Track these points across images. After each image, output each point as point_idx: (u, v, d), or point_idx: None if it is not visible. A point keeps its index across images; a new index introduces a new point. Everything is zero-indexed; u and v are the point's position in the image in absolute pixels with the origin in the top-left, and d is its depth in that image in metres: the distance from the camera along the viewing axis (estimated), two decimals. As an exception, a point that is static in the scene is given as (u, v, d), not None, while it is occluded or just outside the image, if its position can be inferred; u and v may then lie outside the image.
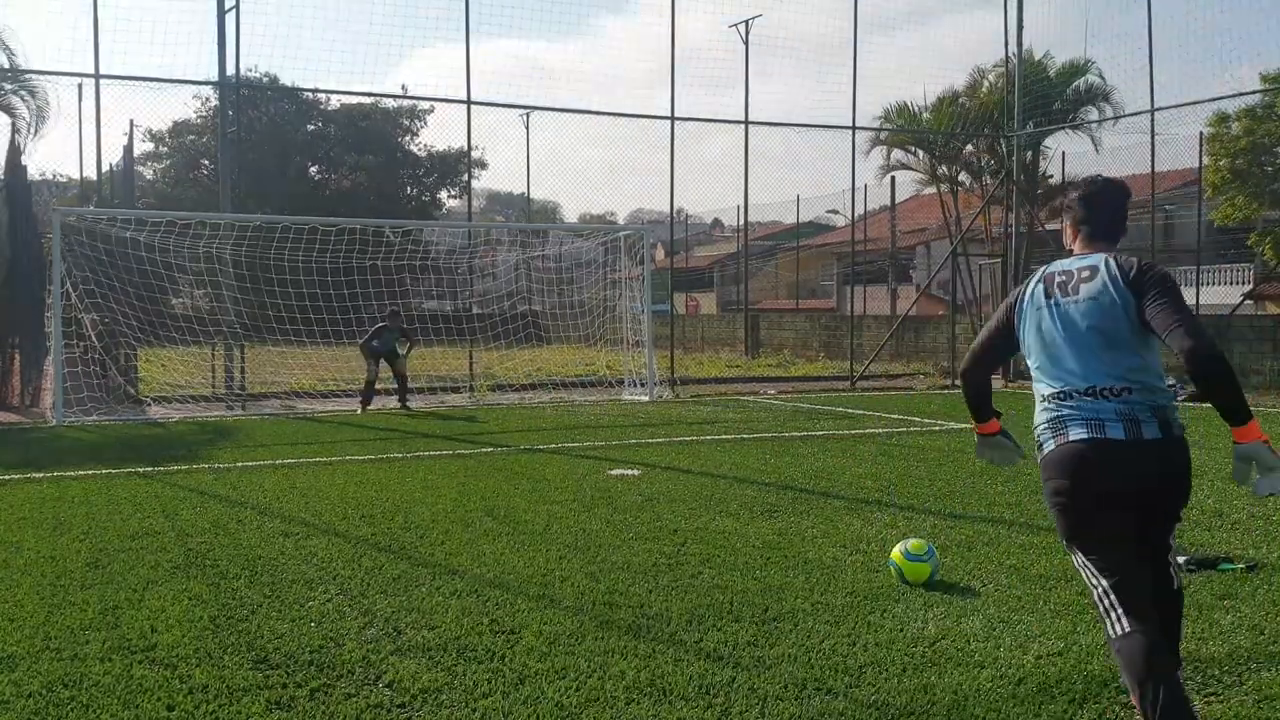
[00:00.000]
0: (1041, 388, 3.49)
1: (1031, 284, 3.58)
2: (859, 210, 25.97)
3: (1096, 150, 22.28)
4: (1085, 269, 3.48)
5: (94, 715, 3.66)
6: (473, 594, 5.14)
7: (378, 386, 15.18)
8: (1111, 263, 3.45)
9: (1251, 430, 3.18)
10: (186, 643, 4.40)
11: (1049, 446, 3.41)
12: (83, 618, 4.74)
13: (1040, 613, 4.83)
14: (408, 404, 15.30)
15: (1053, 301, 3.48)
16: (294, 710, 3.70)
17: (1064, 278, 3.52)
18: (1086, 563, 3.38)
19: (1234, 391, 3.19)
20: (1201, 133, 22.36)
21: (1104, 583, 3.31)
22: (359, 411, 14.66)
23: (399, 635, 4.50)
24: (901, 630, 4.57)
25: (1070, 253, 3.65)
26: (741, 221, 25.17)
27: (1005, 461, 3.90)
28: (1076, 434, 3.33)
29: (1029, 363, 3.56)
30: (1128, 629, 3.23)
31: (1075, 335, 3.42)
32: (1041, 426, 3.46)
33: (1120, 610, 3.26)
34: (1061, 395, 3.40)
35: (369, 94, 50.25)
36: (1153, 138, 18.43)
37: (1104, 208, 3.61)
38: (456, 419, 13.92)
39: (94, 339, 14.50)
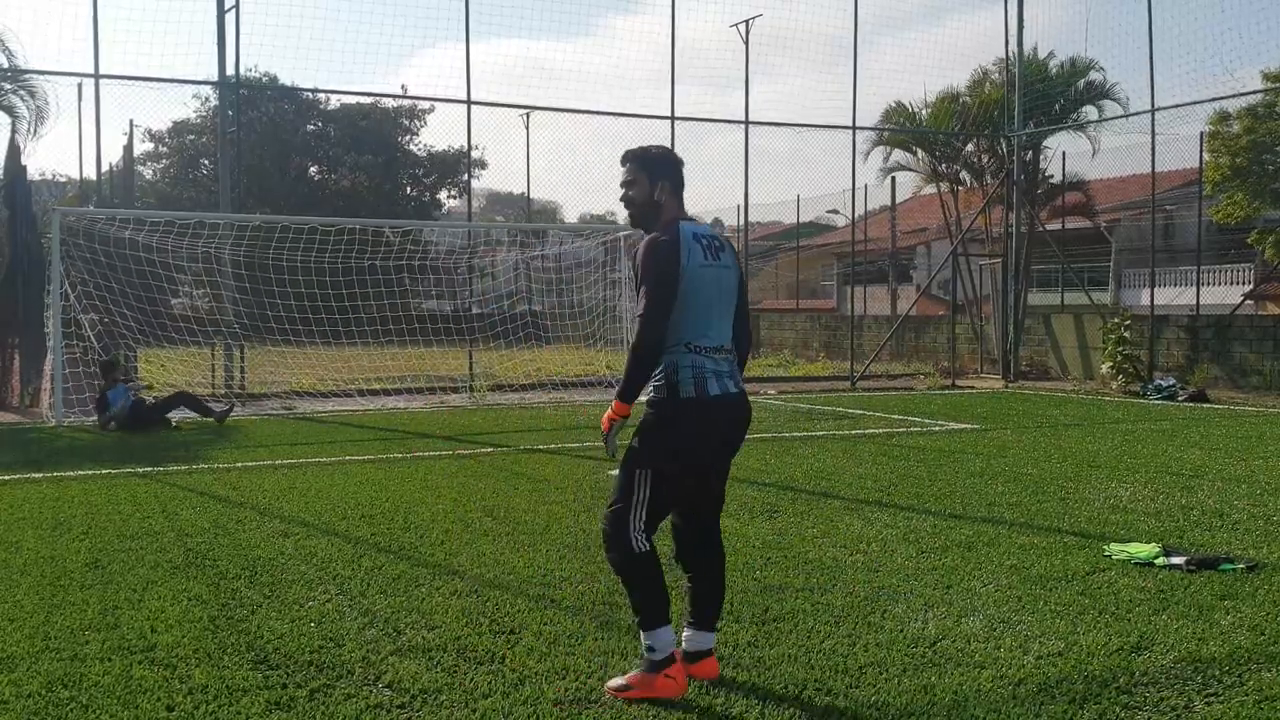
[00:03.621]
0: (691, 338, 3.84)
1: (685, 243, 3.86)
2: (859, 210, 25.95)
3: (1095, 151, 22.28)
4: (715, 238, 4.01)
5: (94, 715, 3.66)
6: (473, 594, 5.14)
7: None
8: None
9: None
10: (186, 643, 4.39)
11: (688, 394, 3.82)
12: (82, 618, 4.74)
13: (1040, 613, 4.83)
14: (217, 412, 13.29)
15: (709, 263, 3.90)
16: (294, 710, 3.70)
17: (707, 242, 3.95)
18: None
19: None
20: (1202, 133, 22.35)
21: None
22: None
23: (399, 635, 4.50)
24: (901, 631, 4.57)
25: (677, 216, 3.99)
26: (741, 221, 25.13)
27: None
28: (715, 388, 3.85)
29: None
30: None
31: (721, 297, 3.94)
32: (683, 373, 3.83)
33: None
34: (713, 350, 3.89)
35: (369, 94, 50.31)
36: (1153, 138, 18.42)
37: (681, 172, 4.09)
38: (461, 418, 13.90)
39: (93, 339, 14.50)
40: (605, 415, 3.88)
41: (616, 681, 3.85)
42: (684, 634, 4.03)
